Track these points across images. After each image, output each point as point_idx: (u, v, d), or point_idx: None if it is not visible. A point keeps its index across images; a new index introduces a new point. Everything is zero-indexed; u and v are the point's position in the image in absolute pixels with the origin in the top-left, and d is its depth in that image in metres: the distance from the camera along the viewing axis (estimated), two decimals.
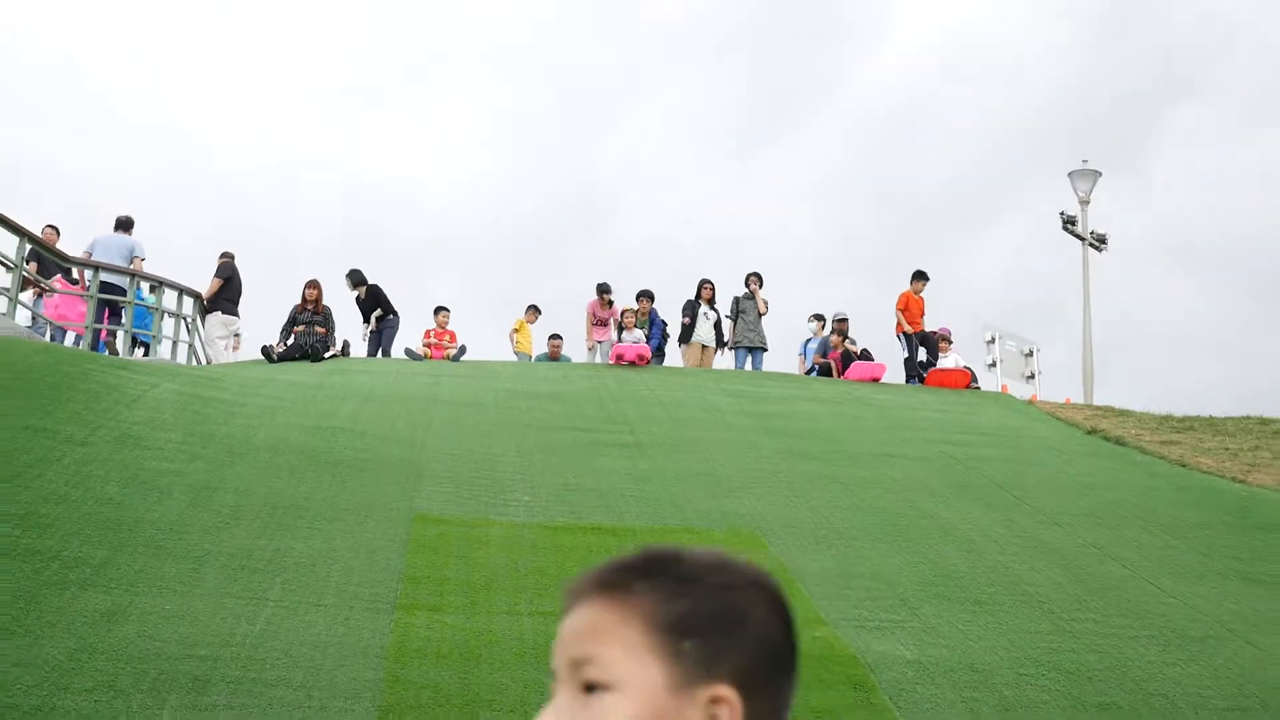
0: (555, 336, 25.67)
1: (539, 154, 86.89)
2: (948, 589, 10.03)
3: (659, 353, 23.78)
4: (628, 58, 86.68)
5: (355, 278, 23.44)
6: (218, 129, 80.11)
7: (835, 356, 23.75)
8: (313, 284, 21.56)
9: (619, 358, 21.64)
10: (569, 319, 25.47)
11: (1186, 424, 19.46)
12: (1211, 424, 19.39)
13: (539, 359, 25.15)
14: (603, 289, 24.71)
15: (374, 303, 23.56)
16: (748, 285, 24.57)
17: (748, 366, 24.16)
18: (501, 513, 11.41)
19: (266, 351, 20.24)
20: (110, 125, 77.90)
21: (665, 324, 24.15)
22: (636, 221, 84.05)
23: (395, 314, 23.47)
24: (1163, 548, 11.90)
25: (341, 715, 6.60)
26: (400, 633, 7.98)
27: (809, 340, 25.38)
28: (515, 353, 25.53)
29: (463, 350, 22.04)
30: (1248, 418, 19.89)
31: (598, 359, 24.46)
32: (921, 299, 24.20)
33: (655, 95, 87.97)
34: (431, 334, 22.64)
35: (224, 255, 22.89)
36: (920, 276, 24.39)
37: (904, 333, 23.97)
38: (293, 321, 20.84)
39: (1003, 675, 8.06)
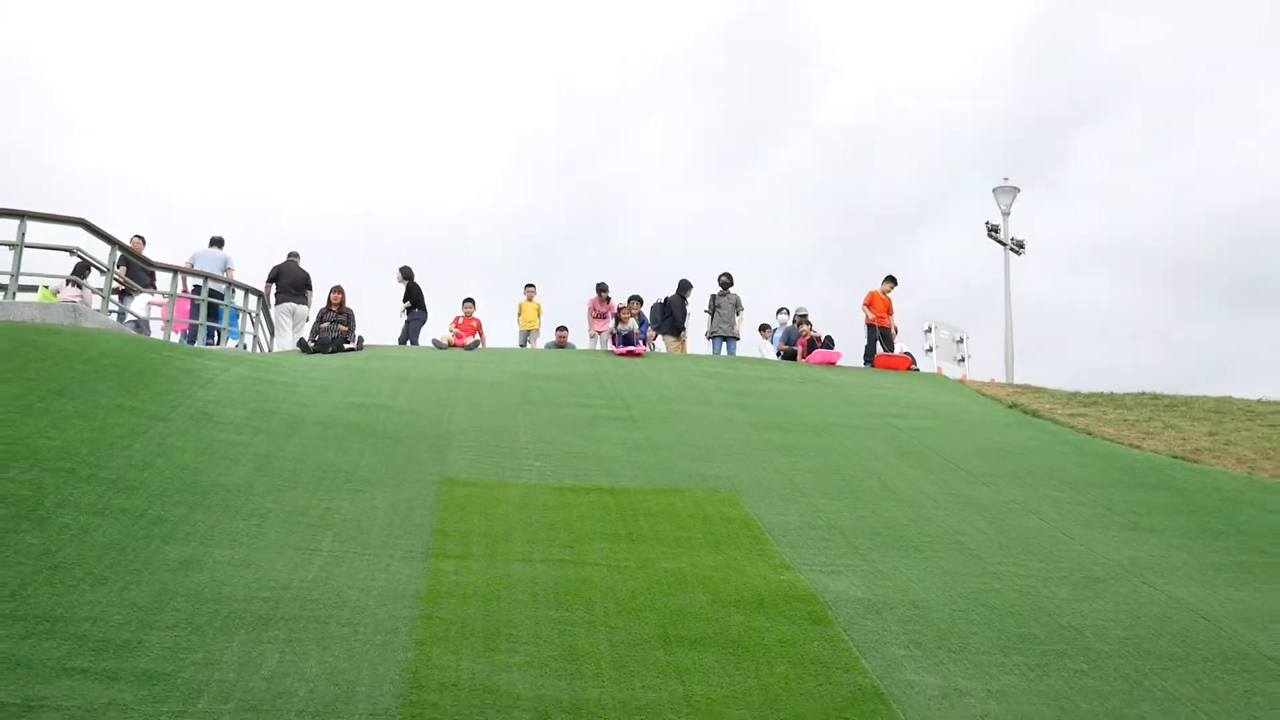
0: (561, 328, 25.69)
1: (552, 171, 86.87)
2: (892, 538, 10.01)
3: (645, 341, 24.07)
4: (630, 86, 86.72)
5: (405, 272, 24.19)
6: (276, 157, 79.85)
7: (803, 343, 23.79)
8: (337, 289, 21.08)
9: (630, 353, 21.21)
10: (576, 313, 25.36)
11: (1092, 399, 19.47)
12: (1113, 399, 19.40)
13: (548, 346, 25.16)
14: (601, 288, 24.89)
15: (410, 296, 23.92)
16: (720, 283, 24.62)
17: (723, 353, 24.18)
18: (517, 476, 11.39)
19: (302, 344, 20.12)
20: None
21: (655, 324, 24.42)
22: (636, 230, 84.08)
23: (425, 310, 23.93)
24: (1071, 503, 11.89)
25: (382, 647, 6.58)
26: (432, 577, 7.96)
27: (775, 330, 25.35)
28: (520, 331, 25.55)
29: (476, 343, 21.14)
30: (1143, 394, 19.92)
31: (598, 346, 24.60)
32: (889, 299, 24.12)
33: (653, 120, 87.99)
34: (459, 321, 21.96)
35: (290, 254, 23.67)
36: (890, 280, 24.41)
37: (869, 325, 23.96)
38: (320, 319, 20.58)
39: (939, 611, 8.05)
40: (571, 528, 9.62)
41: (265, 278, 22.74)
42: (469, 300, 22.34)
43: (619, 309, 22.52)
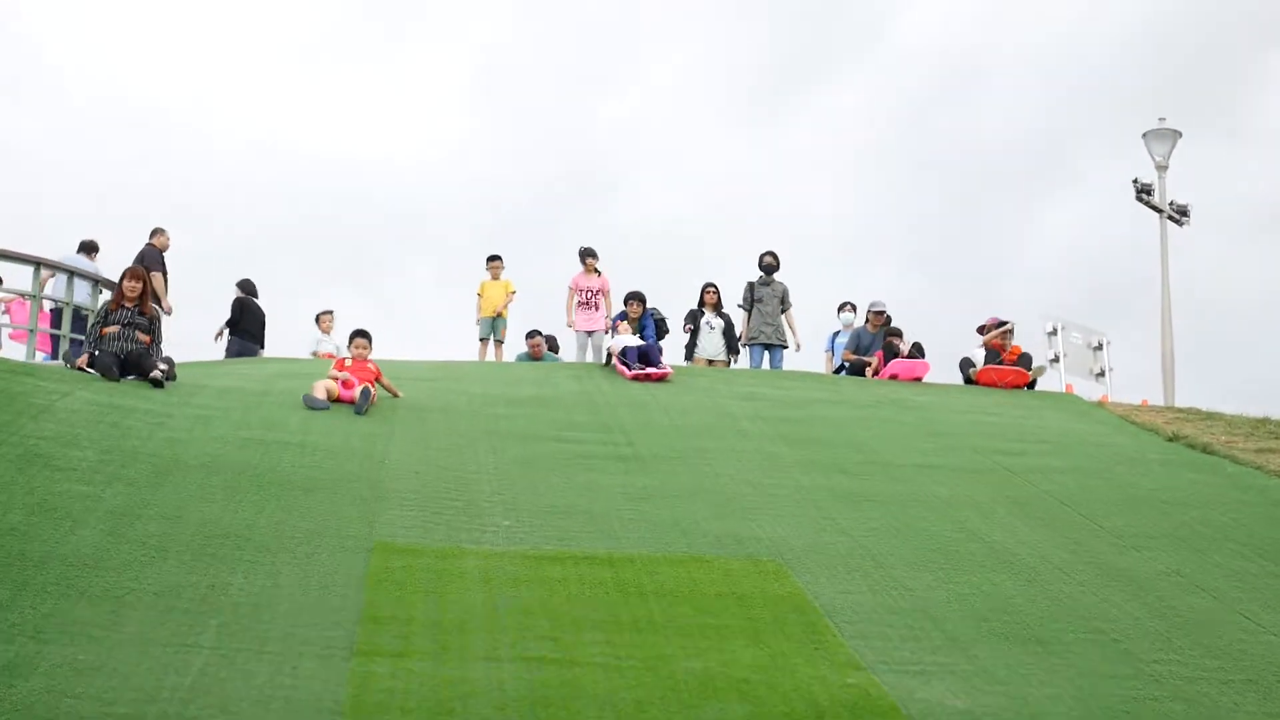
0: (534, 333, 25.58)
1: (529, 119, 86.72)
2: (1004, 625, 10.00)
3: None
4: (630, 10, 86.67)
5: (243, 286, 25.41)
6: (167, 95, 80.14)
7: (880, 356, 23.59)
8: (134, 273, 17.34)
9: (648, 376, 20.21)
10: (554, 311, 25.31)
11: None
12: None
13: (520, 358, 25.16)
14: (587, 253, 24.81)
15: (237, 316, 25.05)
16: (762, 267, 24.54)
17: (765, 365, 24.16)
18: (477, 540, 11.37)
19: (68, 359, 17.64)
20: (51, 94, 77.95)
21: (663, 320, 23.80)
22: (640, 201, 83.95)
23: (259, 340, 25.32)
24: (1259, 574, 11.88)
25: None
26: (358, 684, 7.93)
27: (837, 333, 25.37)
28: (477, 321, 25.53)
29: (367, 396, 16.17)
30: None
31: (588, 356, 24.48)
32: (1013, 349, 23.61)
33: (662, 55, 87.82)
34: (344, 364, 17.35)
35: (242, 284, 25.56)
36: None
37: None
38: (105, 320, 16.89)
39: None
40: (553, 613, 9.59)
41: (223, 322, 23.92)
42: (360, 334, 17.74)
43: (617, 319, 21.93)
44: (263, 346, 24.91)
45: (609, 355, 21.55)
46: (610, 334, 21.82)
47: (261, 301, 25.36)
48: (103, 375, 15.90)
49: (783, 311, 24.51)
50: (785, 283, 24.57)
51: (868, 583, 10.83)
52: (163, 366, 16.30)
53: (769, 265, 24.62)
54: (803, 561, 11.25)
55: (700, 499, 13.23)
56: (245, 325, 24.78)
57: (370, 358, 17.38)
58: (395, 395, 17.20)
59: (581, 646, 8.90)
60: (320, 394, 15.88)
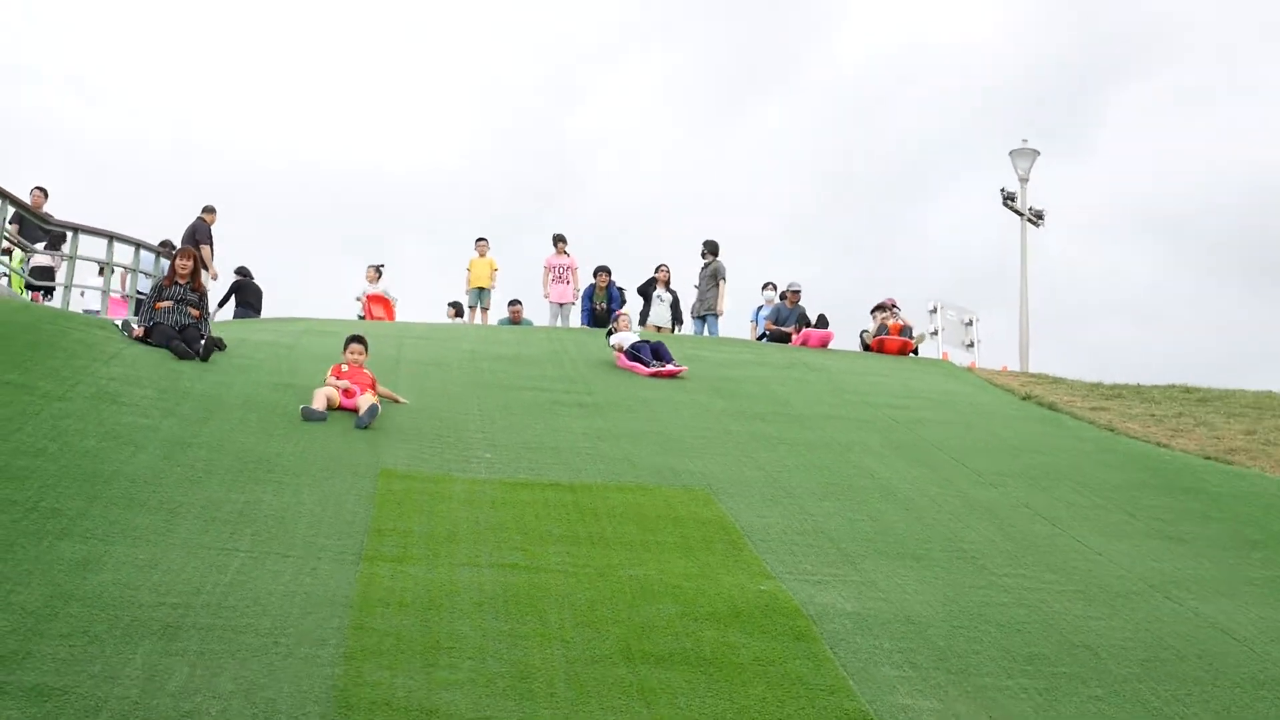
0: (515, 302, 25.86)
1: (513, 126, 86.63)
2: (887, 545, 10.08)
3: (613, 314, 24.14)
4: (603, 25, 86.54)
5: (241, 271, 24.94)
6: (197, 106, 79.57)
7: (896, 330, 23.45)
8: (186, 253, 15.86)
9: (665, 373, 17.48)
10: (532, 285, 25.46)
11: (1115, 391, 19.61)
12: (1139, 392, 19.53)
13: (501, 323, 25.20)
14: (558, 237, 25.14)
15: (235, 296, 24.72)
16: (702, 253, 24.72)
17: (705, 333, 24.27)
18: (464, 470, 11.41)
19: (126, 327, 15.82)
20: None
21: (623, 290, 24.45)
22: (604, 194, 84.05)
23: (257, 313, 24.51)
24: (1090, 507, 12.00)
25: (307, 661, 6.59)
26: (365, 582, 7.97)
27: (760, 308, 25.43)
28: (466, 291, 25.66)
29: (375, 410, 12.75)
30: (1173, 386, 20.06)
31: (559, 323, 24.68)
32: (895, 325, 23.64)
33: (625, 72, 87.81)
34: (343, 370, 13.80)
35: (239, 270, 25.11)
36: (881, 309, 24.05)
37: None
38: (158, 296, 15.35)
39: (937, 628, 8.11)
40: (524, 528, 9.64)
41: (219, 298, 23.73)
42: (356, 340, 14.18)
43: (617, 316, 20.15)
44: (259, 314, 24.66)
45: (624, 354, 18.21)
46: (611, 333, 19.15)
47: (268, 274, 25.51)
48: (178, 354, 14.35)
49: (716, 286, 24.58)
50: (722, 262, 24.66)
51: (778, 509, 10.89)
52: (210, 339, 14.90)
53: (705, 250, 24.72)
54: (727, 491, 11.31)
55: (645, 439, 13.27)
56: (244, 298, 24.59)
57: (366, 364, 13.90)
58: (397, 402, 13.78)
59: (546, 556, 8.96)
60: (320, 404, 12.72)
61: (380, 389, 13.63)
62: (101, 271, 21.09)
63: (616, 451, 12.60)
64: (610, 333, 19.12)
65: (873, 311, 23.84)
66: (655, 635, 7.47)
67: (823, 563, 9.39)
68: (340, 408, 12.96)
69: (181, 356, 14.32)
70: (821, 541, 9.99)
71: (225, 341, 15.59)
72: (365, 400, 12.86)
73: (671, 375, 17.42)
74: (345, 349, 13.96)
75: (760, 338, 24.50)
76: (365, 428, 12.39)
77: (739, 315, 26.70)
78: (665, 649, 7.26)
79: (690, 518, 10.34)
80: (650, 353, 17.93)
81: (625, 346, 18.29)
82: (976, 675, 7.35)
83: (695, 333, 24.37)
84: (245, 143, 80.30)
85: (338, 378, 13.42)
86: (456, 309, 26.69)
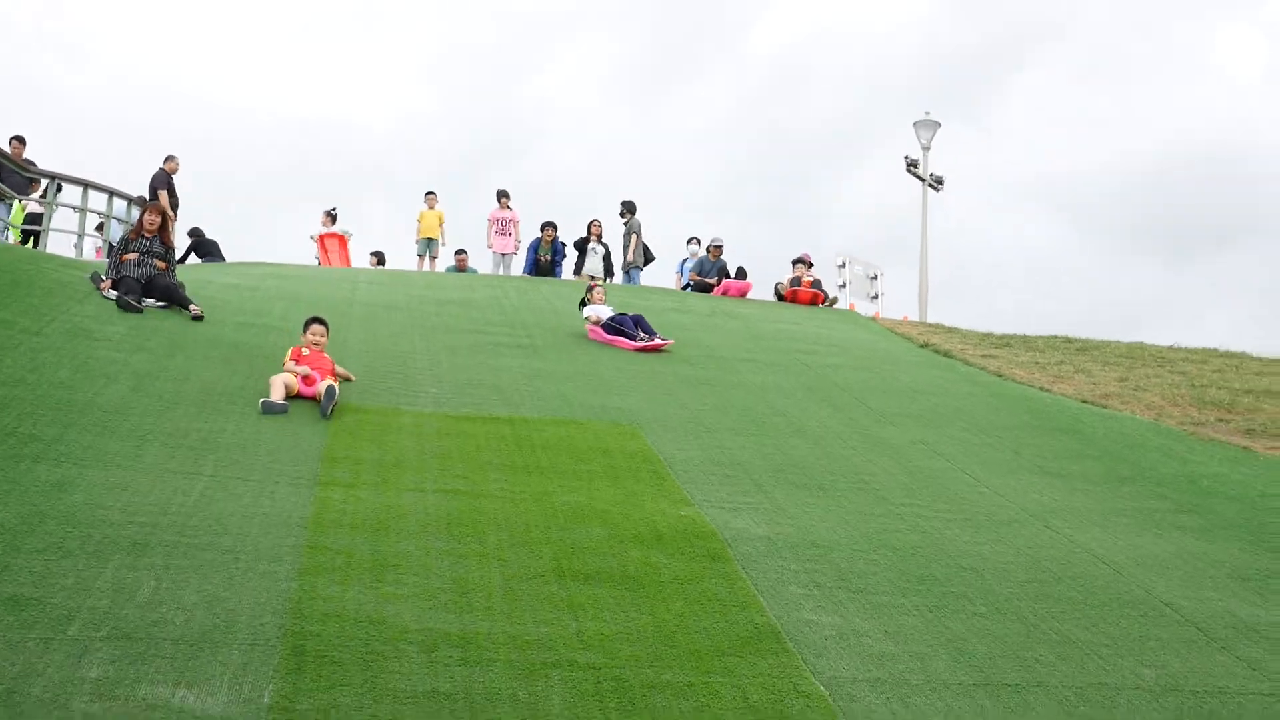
0: (460, 251, 25.76)
1: (466, 94, 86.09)
2: (796, 476, 10.14)
3: (556, 266, 24.35)
4: (543, 13, 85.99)
5: (193, 233, 24.41)
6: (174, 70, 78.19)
7: (807, 284, 23.58)
8: (155, 208, 14.89)
9: (653, 348, 15.52)
10: (481, 237, 25.31)
11: (1004, 341, 19.79)
12: (1025, 342, 19.73)
13: (448, 270, 25.08)
14: (502, 193, 25.08)
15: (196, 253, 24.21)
16: (621, 215, 24.77)
17: (634, 283, 24.30)
18: (411, 403, 11.35)
19: (95, 279, 14.47)
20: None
21: (564, 245, 24.50)
22: (546, 157, 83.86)
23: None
24: (979, 445, 12.12)
25: (265, 576, 6.55)
26: (319, 506, 7.93)
27: (685, 260, 25.41)
28: (416, 240, 25.49)
29: (333, 393, 10.74)
30: (1055, 337, 20.28)
31: (501, 271, 24.66)
32: (807, 280, 23.81)
33: (568, 48, 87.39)
34: (303, 353, 11.71)
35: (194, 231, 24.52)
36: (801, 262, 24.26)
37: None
38: (124, 248, 14.46)
39: (840, 551, 8.18)
40: (466, 457, 9.62)
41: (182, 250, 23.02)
42: (317, 321, 12.13)
43: (591, 288, 19.62)
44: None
45: (605, 328, 16.01)
46: (584, 304, 16.68)
47: (225, 227, 25.18)
48: (122, 306, 13.34)
49: (629, 241, 24.62)
50: (638, 220, 24.65)
51: (698, 443, 10.93)
52: (197, 308, 13.77)
53: (623, 210, 24.75)
54: (652, 426, 11.34)
55: (578, 379, 13.26)
56: (204, 252, 24.21)
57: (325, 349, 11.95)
58: (349, 380, 11.83)
59: (486, 483, 8.94)
60: (278, 394, 10.71)
61: (340, 370, 11.77)
62: (100, 227, 20.89)
63: (552, 389, 12.58)
64: (584, 303, 16.71)
65: (794, 263, 23.93)
66: (584, 555, 7.49)
67: (738, 492, 9.44)
68: (298, 395, 10.97)
69: (125, 309, 13.27)
70: (737, 473, 10.03)
71: (186, 287, 14.43)
72: (324, 386, 10.84)
73: (657, 349, 15.43)
74: (305, 330, 11.89)
75: (685, 288, 24.50)
76: (328, 416, 10.40)
77: (666, 268, 26.73)
78: (593, 568, 7.28)
79: (618, 450, 10.35)
80: (634, 323, 15.89)
81: (603, 319, 16.13)
82: (874, 593, 7.42)
83: (625, 284, 24.37)
84: (207, 96, 79.03)
85: (297, 362, 11.40)
86: (379, 258, 26.53)
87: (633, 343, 15.47)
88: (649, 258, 24.88)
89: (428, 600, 6.50)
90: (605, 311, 16.27)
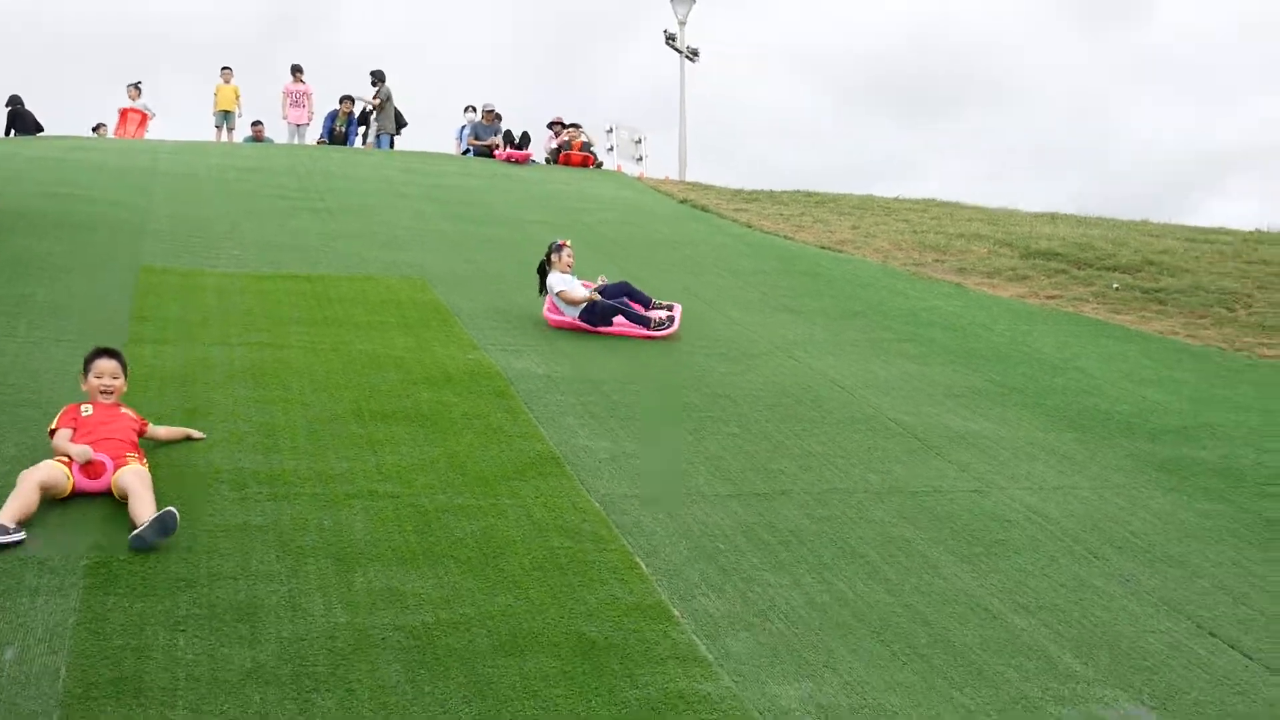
0: (257, 122, 24.83)
1: None
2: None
3: (350, 136, 23.78)
4: None
5: (14, 101, 22.55)
6: None
7: (578, 147, 23.38)
8: None
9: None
10: (276, 109, 24.40)
11: (753, 196, 20.11)
12: (771, 196, 20.08)
13: (245, 140, 24.16)
14: (296, 68, 24.32)
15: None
16: (372, 84, 24.16)
17: (384, 147, 23.89)
18: (214, 264, 10.97)
19: None
20: None
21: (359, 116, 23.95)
22: (334, 35, 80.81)
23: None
24: (732, 288, 12.37)
25: None
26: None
27: (464, 127, 24.93)
28: (214, 113, 24.43)
29: (165, 528, 4.96)
30: (798, 191, 20.70)
31: (295, 140, 23.94)
32: (578, 143, 23.65)
33: None
34: (84, 416, 5.83)
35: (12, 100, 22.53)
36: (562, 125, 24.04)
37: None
38: None
39: (611, 385, 8.29)
40: (269, 313, 9.39)
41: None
42: (106, 354, 6.25)
43: (559, 255, 17.60)
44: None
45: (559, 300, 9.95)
46: (544, 272, 10.43)
47: (39, 104, 23.37)
48: None
49: (383, 108, 24.11)
50: (389, 87, 24.07)
51: (484, 294, 10.87)
52: None
53: (374, 80, 24.12)
54: (442, 280, 11.22)
55: (372, 238, 13.01)
56: (23, 127, 22.72)
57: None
58: (191, 439, 6.38)
59: (288, 336, 8.75)
60: (14, 511, 5.08)
61: (159, 431, 6.34)
62: None
63: (347, 248, 12.32)
64: (544, 271, 10.41)
65: (549, 126, 23.88)
66: (381, 398, 7.43)
67: (520, 337, 9.45)
68: (75, 492, 5.49)
69: None
70: (518, 320, 10.03)
71: None
72: (137, 492, 5.32)
73: (669, 335, 9.95)
74: (87, 370, 6.21)
75: (464, 153, 24.11)
76: (150, 547, 4.99)
77: (444, 133, 26.23)
78: (390, 408, 7.24)
79: (410, 302, 10.23)
80: (622, 292, 10.31)
81: (581, 296, 9.98)
82: (641, 421, 7.57)
83: (378, 148, 23.86)
84: None
85: (75, 431, 5.77)
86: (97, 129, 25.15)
87: (643, 329, 9.95)
88: (401, 123, 24.30)
89: (237, 443, 6.39)
90: (576, 287, 10.07)
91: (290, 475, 6.01)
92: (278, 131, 24.82)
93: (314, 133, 24.04)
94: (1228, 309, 12.60)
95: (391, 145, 23.96)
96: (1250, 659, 5.05)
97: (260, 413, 6.93)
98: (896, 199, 20.23)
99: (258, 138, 24.36)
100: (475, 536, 5.48)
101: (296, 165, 18.19)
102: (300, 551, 5.14)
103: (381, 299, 10.23)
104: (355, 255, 12.01)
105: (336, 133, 23.57)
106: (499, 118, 24.04)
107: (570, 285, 10.05)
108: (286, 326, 9.00)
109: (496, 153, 23.09)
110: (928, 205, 19.40)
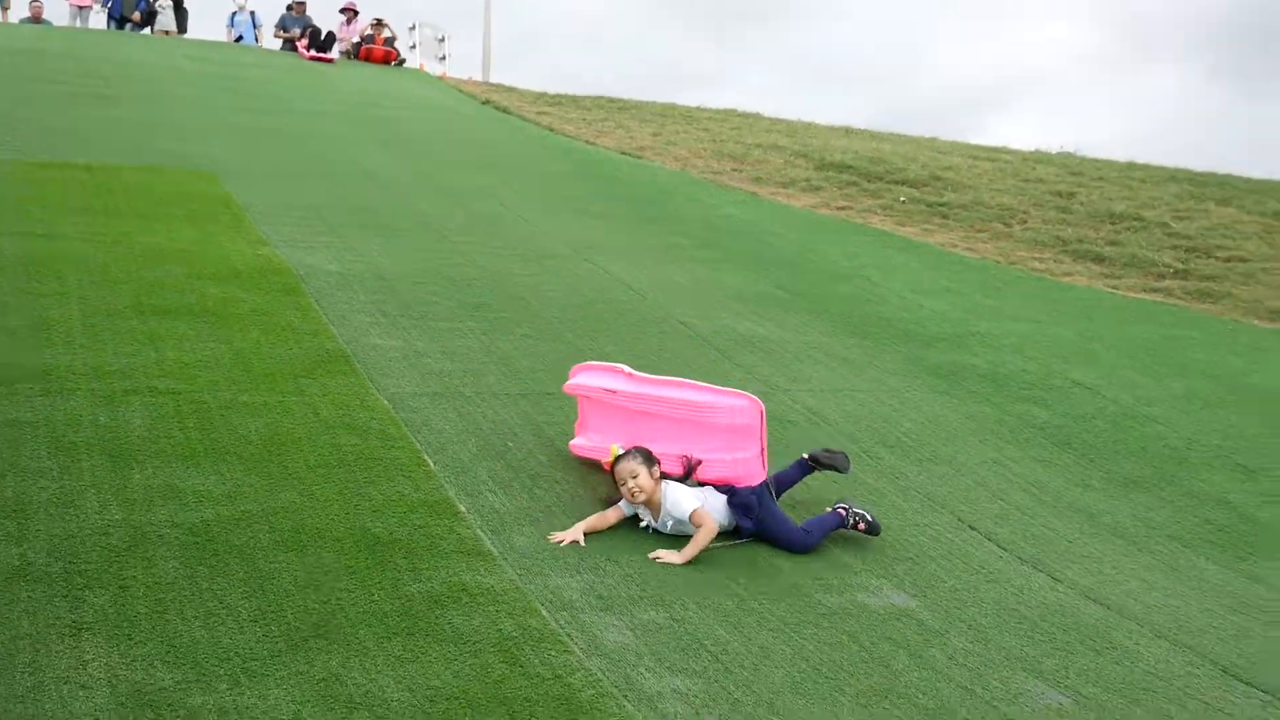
0: (35, 1, 23.27)
1: None
2: (365, 219, 9.97)
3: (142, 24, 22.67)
4: None
5: None
6: None
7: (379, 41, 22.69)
8: None
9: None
10: None
11: (556, 100, 19.94)
12: (574, 100, 19.94)
13: (23, 22, 22.70)
14: None
15: None
16: None
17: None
18: None
19: None
20: None
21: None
22: None
23: None
24: (530, 191, 12.28)
25: None
26: None
27: (235, 14, 23.81)
28: None
29: None
30: (601, 97, 20.60)
31: (78, 24, 22.67)
32: (380, 38, 23.04)
33: None
34: None
35: None
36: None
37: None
38: None
39: (403, 282, 8.16)
40: (44, 202, 8.90)
41: None
42: None
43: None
44: None
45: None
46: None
47: None
48: None
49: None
50: None
51: (276, 189, 10.54)
52: None
53: None
54: (232, 173, 10.82)
55: (159, 129, 12.44)
56: None
57: None
58: None
59: (65, 226, 8.32)
60: None
61: None
62: None
63: (132, 137, 11.75)
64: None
65: (340, 11, 23.19)
66: (164, 292, 7.15)
67: (311, 233, 9.21)
68: None
69: None
70: (311, 216, 9.76)
71: None
72: None
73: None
74: None
75: (236, 40, 23.13)
76: None
77: (215, 20, 25.17)
78: (173, 303, 6.98)
79: (197, 195, 9.84)
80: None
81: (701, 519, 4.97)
82: (434, 320, 7.48)
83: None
84: None
85: None
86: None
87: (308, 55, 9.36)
88: (183, 27, 23.28)
89: (6, 337, 6.07)
90: (691, 500, 5.05)
91: (64, 370, 5.75)
92: (59, 13, 23.43)
93: (98, 18, 22.76)
94: (1004, 224, 13.12)
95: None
96: (1004, 550, 5.34)
97: (32, 306, 6.59)
98: (698, 108, 20.33)
99: (36, 18, 22.90)
100: (260, 434, 5.35)
101: (78, 49, 17.21)
102: (73, 448, 4.94)
103: (167, 191, 9.81)
104: (140, 145, 11.47)
105: (127, 17, 22.33)
106: (304, 7, 23.16)
107: (685, 503, 5.04)
108: (63, 216, 8.56)
109: (299, 47, 22.27)
110: (728, 115, 19.56)
